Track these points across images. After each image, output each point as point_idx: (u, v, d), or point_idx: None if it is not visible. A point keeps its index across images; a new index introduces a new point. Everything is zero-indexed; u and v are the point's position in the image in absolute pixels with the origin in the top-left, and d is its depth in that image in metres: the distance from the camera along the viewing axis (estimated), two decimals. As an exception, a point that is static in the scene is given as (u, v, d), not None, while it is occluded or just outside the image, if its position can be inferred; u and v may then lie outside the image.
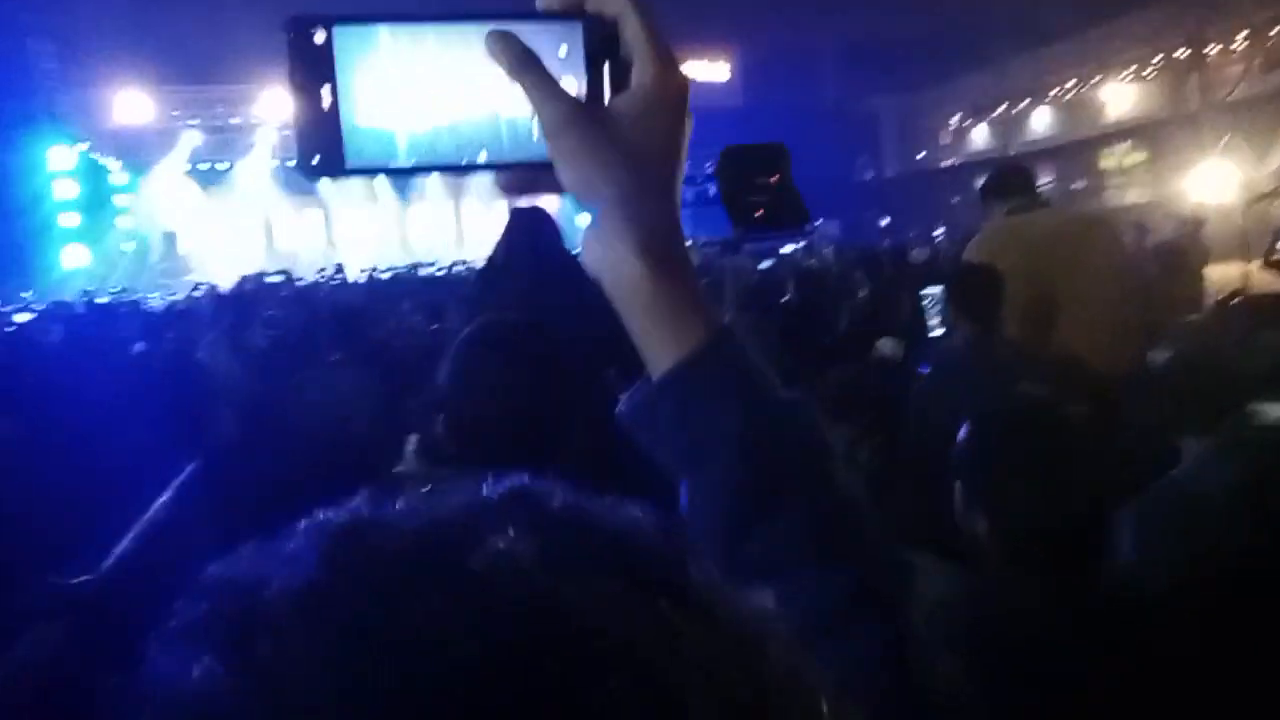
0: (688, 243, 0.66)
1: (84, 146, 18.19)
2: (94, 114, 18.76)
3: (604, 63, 0.62)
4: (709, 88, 23.65)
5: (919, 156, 26.84)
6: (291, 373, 3.93)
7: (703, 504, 0.63)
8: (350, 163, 0.60)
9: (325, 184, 20.51)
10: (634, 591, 0.32)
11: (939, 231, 12.37)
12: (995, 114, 23.49)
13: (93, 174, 18.51)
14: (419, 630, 0.30)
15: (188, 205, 20.18)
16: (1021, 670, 1.37)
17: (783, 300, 5.72)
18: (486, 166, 0.63)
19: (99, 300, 13.67)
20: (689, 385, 0.62)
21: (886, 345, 3.93)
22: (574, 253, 3.70)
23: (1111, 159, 19.36)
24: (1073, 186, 19.52)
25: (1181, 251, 6.67)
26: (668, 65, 0.62)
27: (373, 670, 0.29)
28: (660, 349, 0.63)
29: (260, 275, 12.23)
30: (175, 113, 19.61)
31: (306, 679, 0.30)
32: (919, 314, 4.20)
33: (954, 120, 25.32)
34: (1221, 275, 8.01)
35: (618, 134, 0.61)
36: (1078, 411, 1.76)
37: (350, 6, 0.62)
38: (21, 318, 10.24)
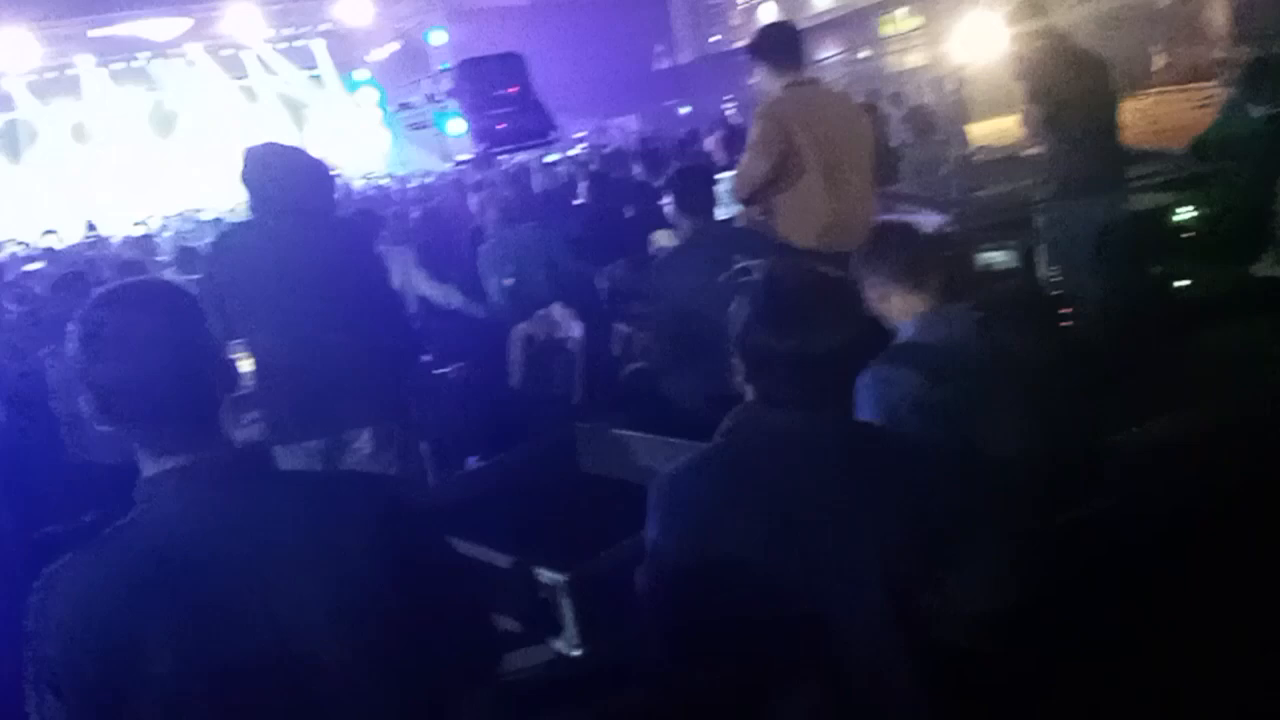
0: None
1: None
2: None
3: None
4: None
5: (712, 40, 26.80)
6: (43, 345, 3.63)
7: None
8: None
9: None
10: None
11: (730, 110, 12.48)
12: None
13: None
14: None
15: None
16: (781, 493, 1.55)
17: (575, 203, 5.68)
18: None
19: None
20: None
21: (661, 237, 3.97)
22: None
23: (890, 25, 19.93)
24: (858, 56, 19.99)
25: (931, 117, 7.09)
26: None
27: None
28: None
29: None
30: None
31: None
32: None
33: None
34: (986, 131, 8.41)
35: None
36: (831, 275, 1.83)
37: None
38: None
